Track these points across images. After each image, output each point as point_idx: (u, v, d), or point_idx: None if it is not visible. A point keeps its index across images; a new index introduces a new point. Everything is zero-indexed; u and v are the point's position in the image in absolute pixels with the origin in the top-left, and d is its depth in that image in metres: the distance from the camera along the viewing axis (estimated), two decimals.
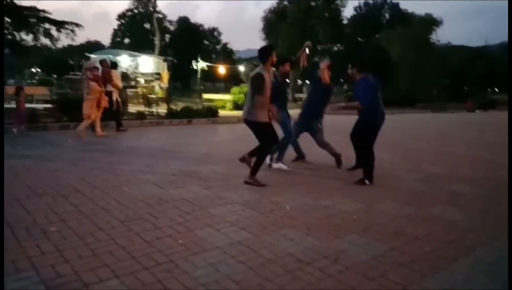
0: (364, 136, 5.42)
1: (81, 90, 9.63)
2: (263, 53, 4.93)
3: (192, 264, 2.79)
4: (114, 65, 10.81)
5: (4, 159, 5.72)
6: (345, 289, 2.54)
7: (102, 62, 10.34)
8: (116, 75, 10.34)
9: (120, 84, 10.39)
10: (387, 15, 55.54)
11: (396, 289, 2.56)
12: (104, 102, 9.24)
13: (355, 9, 55.72)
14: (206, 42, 67.54)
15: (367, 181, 5.27)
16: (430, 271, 2.83)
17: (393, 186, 5.29)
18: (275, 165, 6.01)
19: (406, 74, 37.39)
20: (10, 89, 12.48)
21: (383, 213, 4.09)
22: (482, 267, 2.95)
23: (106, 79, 9.52)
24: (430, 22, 39.39)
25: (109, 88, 9.64)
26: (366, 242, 3.32)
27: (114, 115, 10.19)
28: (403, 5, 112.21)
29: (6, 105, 10.58)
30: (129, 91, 16.52)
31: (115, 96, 9.96)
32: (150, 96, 16.23)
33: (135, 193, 4.49)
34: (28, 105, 10.52)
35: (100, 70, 9.51)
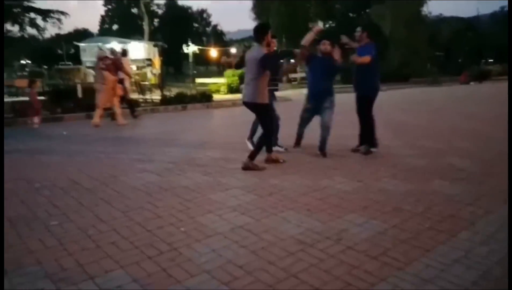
0: (365, 108, 5.76)
1: (72, 80, 9.74)
2: (260, 31, 4.84)
3: (195, 251, 2.82)
4: (124, 52, 11.17)
5: None
6: (347, 269, 2.58)
7: (112, 50, 10.57)
8: (127, 62, 10.60)
9: (130, 71, 10.66)
10: None
11: (397, 266, 2.60)
12: (119, 91, 9.50)
13: None
14: (196, 25, 66.61)
15: (373, 149, 5.73)
16: (431, 246, 2.87)
17: (391, 163, 5.32)
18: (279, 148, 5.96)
19: (399, 49, 37.17)
20: (20, 82, 12.62)
21: (382, 191, 4.13)
22: (481, 239, 2.99)
23: (117, 67, 9.65)
24: None
25: (121, 75, 9.80)
26: (366, 220, 3.35)
27: (128, 102, 10.49)
28: None
29: (18, 98, 10.84)
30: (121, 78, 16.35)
31: (127, 83, 10.30)
32: (143, 83, 16.10)
33: (134, 182, 4.49)
34: (21, 99, 10.45)
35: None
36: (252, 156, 5.01)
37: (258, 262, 2.66)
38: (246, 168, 4.94)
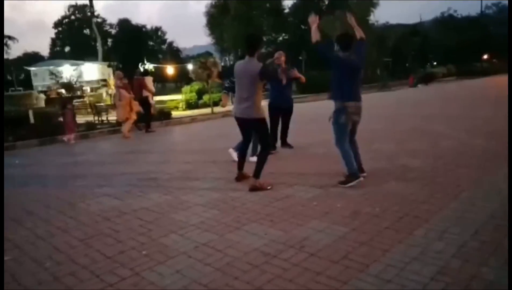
0: None
1: (25, 106, 9.94)
2: (254, 44, 4.54)
3: (159, 274, 2.74)
4: (146, 72, 12.97)
5: None
6: (311, 276, 2.59)
7: (136, 71, 12.18)
8: (149, 81, 11.55)
9: (153, 88, 11.65)
10: (326, 1, 56.58)
11: (359, 269, 2.65)
12: (136, 107, 10.37)
13: None
14: (151, 43, 65.95)
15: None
16: (389, 246, 2.94)
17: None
18: (233, 154, 5.94)
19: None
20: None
21: (340, 196, 4.20)
22: (437, 235, 3.10)
23: (141, 86, 10.88)
24: (367, 4, 40.60)
25: (145, 93, 10.95)
26: (327, 226, 3.40)
27: (147, 117, 11.19)
28: None
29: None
30: (76, 102, 15.90)
31: (151, 100, 11.28)
32: (98, 104, 15.68)
33: (92, 208, 4.34)
34: None
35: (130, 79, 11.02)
36: (257, 174, 4.57)
37: (223, 279, 2.63)
38: (253, 189, 4.49)
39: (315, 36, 4.55)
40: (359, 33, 4.85)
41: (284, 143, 7.06)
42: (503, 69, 39.77)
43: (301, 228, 3.41)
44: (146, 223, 3.76)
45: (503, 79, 25.52)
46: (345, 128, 4.59)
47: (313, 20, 4.57)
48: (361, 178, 4.57)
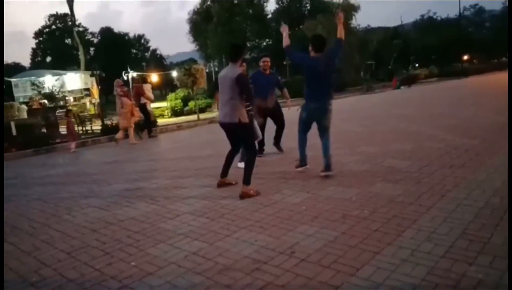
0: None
1: (6, 117, 9.85)
2: (237, 52, 4.77)
3: (149, 285, 2.70)
4: (145, 80, 13.17)
5: None
6: (303, 282, 2.58)
7: (134, 78, 13.40)
8: (148, 88, 11.88)
9: (151, 96, 12.00)
10: (308, 6, 57.11)
11: (350, 272, 2.65)
12: (137, 114, 10.71)
13: (277, 2, 56.69)
14: (134, 51, 65.51)
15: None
16: (379, 249, 2.95)
17: (335, 171, 5.44)
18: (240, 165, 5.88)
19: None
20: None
21: (329, 199, 4.22)
22: (425, 236, 3.13)
23: (139, 93, 11.16)
24: (349, 8, 41.08)
25: (143, 100, 11.24)
26: (316, 231, 3.40)
27: (147, 123, 11.53)
28: None
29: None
30: (58, 112, 15.65)
31: (149, 107, 11.68)
32: (81, 114, 15.49)
33: (78, 220, 4.26)
34: None
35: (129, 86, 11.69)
36: (246, 181, 4.58)
37: (214, 288, 2.60)
38: (244, 196, 4.49)
39: (285, 41, 5.19)
40: (339, 33, 5.21)
41: (276, 144, 7.13)
42: (482, 69, 40.70)
43: (291, 233, 3.40)
44: (133, 233, 3.71)
45: (483, 78, 26.05)
46: (303, 123, 5.32)
47: (284, 29, 5.21)
48: (307, 166, 5.45)
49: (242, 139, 4.87)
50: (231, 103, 4.62)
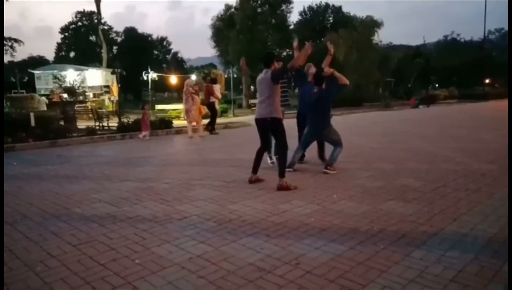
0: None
1: (25, 108, 10.07)
2: (270, 59, 5.43)
3: (151, 284, 2.69)
4: (215, 80, 13.96)
5: None
6: None
7: (204, 78, 14.21)
8: (217, 88, 12.97)
9: (219, 95, 13.31)
10: (331, 19, 57.24)
11: (355, 289, 2.59)
12: (204, 110, 12.21)
13: (300, 14, 57.01)
14: (156, 52, 66.42)
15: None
16: (386, 267, 2.89)
17: (347, 185, 5.40)
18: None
19: (352, 75, 38.50)
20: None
21: (339, 213, 4.16)
22: (434, 258, 3.05)
23: (210, 92, 12.43)
24: (371, 24, 40.95)
25: (212, 99, 12.48)
26: (324, 243, 3.35)
27: (212, 120, 12.59)
28: (346, 8, 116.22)
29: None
30: (78, 106, 15.91)
31: (217, 106, 12.89)
32: (100, 110, 15.70)
33: (88, 213, 4.29)
34: None
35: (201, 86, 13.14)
36: (281, 173, 5.19)
37: None
38: (280, 188, 5.10)
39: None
40: (341, 80, 6.17)
41: (320, 157, 7.03)
42: (504, 94, 40.00)
43: (298, 244, 3.36)
44: (140, 231, 3.71)
45: (504, 103, 25.62)
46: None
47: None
48: (290, 170, 6.00)
49: (275, 134, 5.48)
50: (267, 101, 5.24)
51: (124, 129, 12.38)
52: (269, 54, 5.64)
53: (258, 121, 5.42)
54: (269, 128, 5.44)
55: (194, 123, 11.94)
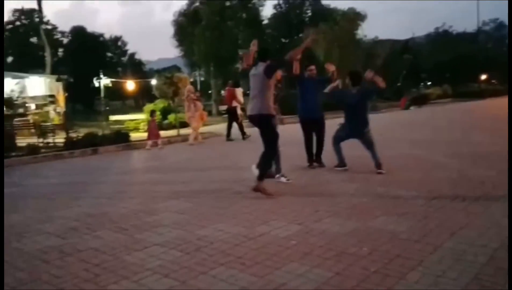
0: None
1: None
2: (265, 54, 5.91)
3: None
4: (237, 84, 14.69)
5: None
6: None
7: (227, 82, 15.36)
8: (239, 93, 14.04)
9: (242, 100, 14.02)
10: (309, 12, 58.08)
11: None
12: (205, 118, 13.91)
13: (275, 7, 57.59)
14: (109, 54, 65.78)
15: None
16: None
17: (332, 200, 5.44)
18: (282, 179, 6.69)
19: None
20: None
21: (324, 233, 4.18)
22: (431, 280, 3.09)
23: (232, 96, 13.62)
24: (354, 17, 41.80)
25: (234, 104, 13.63)
26: (307, 270, 3.35)
27: (239, 127, 13.63)
28: (326, 0, 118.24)
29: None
30: (17, 121, 15.50)
31: (239, 110, 13.78)
32: (44, 124, 15.36)
33: (29, 248, 4.16)
34: None
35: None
36: (260, 177, 5.54)
37: None
38: (256, 189, 5.51)
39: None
40: (368, 70, 7.42)
41: (316, 160, 7.80)
42: (503, 91, 41.35)
43: (278, 272, 3.34)
44: (93, 266, 3.62)
45: (502, 101, 26.50)
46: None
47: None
48: (346, 168, 7.34)
49: (263, 132, 5.71)
50: (258, 97, 5.61)
51: (73, 145, 12.12)
52: (265, 49, 6.12)
53: (250, 118, 5.85)
54: (260, 127, 5.73)
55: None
